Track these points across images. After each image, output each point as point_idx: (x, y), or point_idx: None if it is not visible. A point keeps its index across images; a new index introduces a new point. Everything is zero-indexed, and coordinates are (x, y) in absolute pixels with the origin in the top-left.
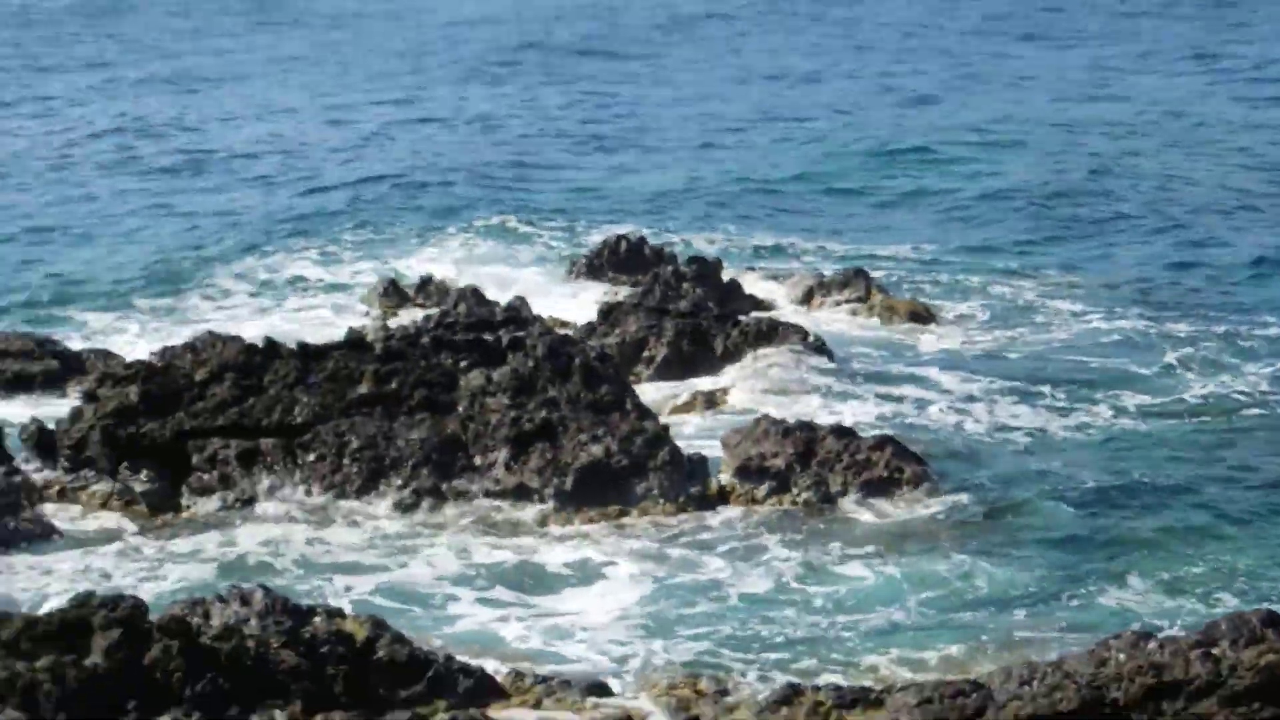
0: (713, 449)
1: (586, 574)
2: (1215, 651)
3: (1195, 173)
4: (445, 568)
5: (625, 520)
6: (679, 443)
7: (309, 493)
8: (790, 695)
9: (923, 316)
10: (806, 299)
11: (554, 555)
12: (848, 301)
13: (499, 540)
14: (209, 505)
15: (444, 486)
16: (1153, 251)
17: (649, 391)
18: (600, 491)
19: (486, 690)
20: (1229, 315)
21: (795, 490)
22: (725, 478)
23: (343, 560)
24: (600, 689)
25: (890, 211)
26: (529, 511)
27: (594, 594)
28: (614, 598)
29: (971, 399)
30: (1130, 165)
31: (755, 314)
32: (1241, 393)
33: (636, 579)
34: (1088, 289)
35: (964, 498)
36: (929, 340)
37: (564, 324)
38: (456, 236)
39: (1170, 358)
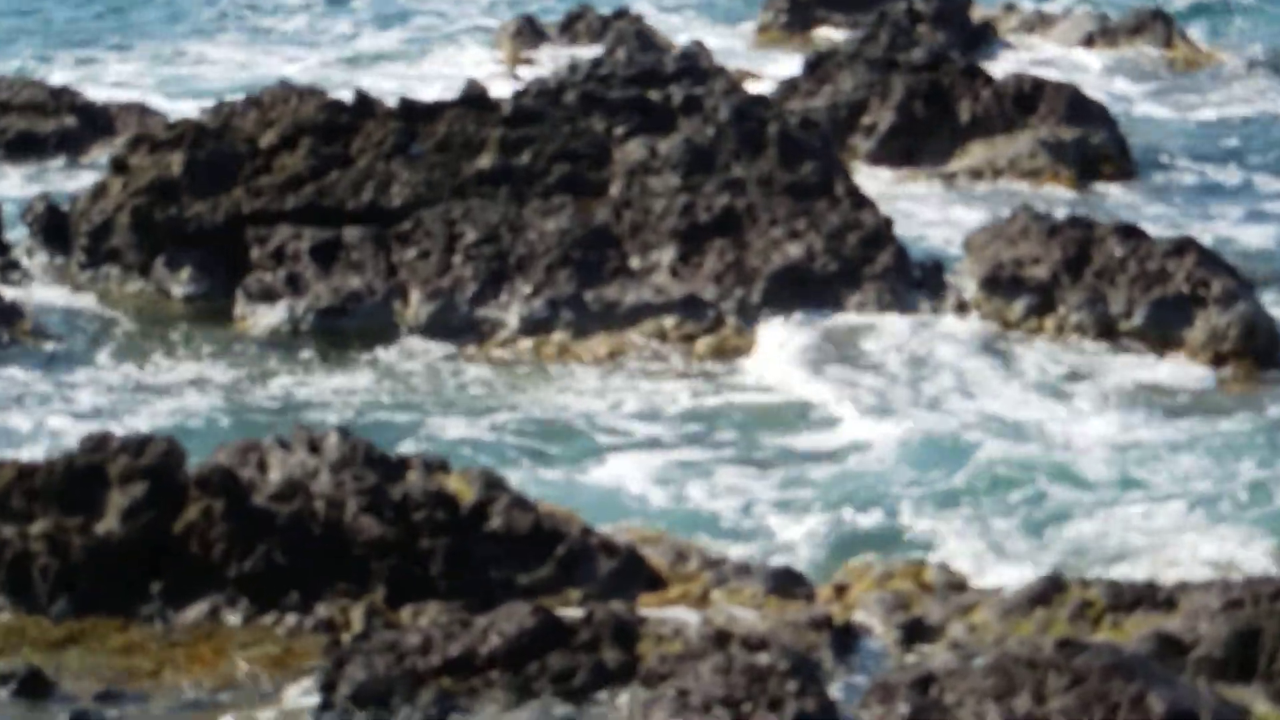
0: (952, 251)
1: (774, 418)
2: None
3: None
4: (585, 406)
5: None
6: (906, 242)
7: (406, 300)
8: (1048, 591)
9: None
10: (1085, 48)
11: (731, 391)
12: (1141, 54)
13: (659, 369)
14: (271, 316)
15: (588, 296)
16: None
17: (868, 172)
18: (799, 306)
19: (636, 575)
20: None
21: (1062, 310)
22: (968, 291)
23: (449, 394)
24: (789, 578)
25: None
26: (701, 330)
27: (779, 444)
28: (809, 449)
29: None
30: None
31: (1015, 70)
32: None
33: (840, 424)
34: None
35: None
36: (1248, 108)
37: (756, 78)
38: None
39: None
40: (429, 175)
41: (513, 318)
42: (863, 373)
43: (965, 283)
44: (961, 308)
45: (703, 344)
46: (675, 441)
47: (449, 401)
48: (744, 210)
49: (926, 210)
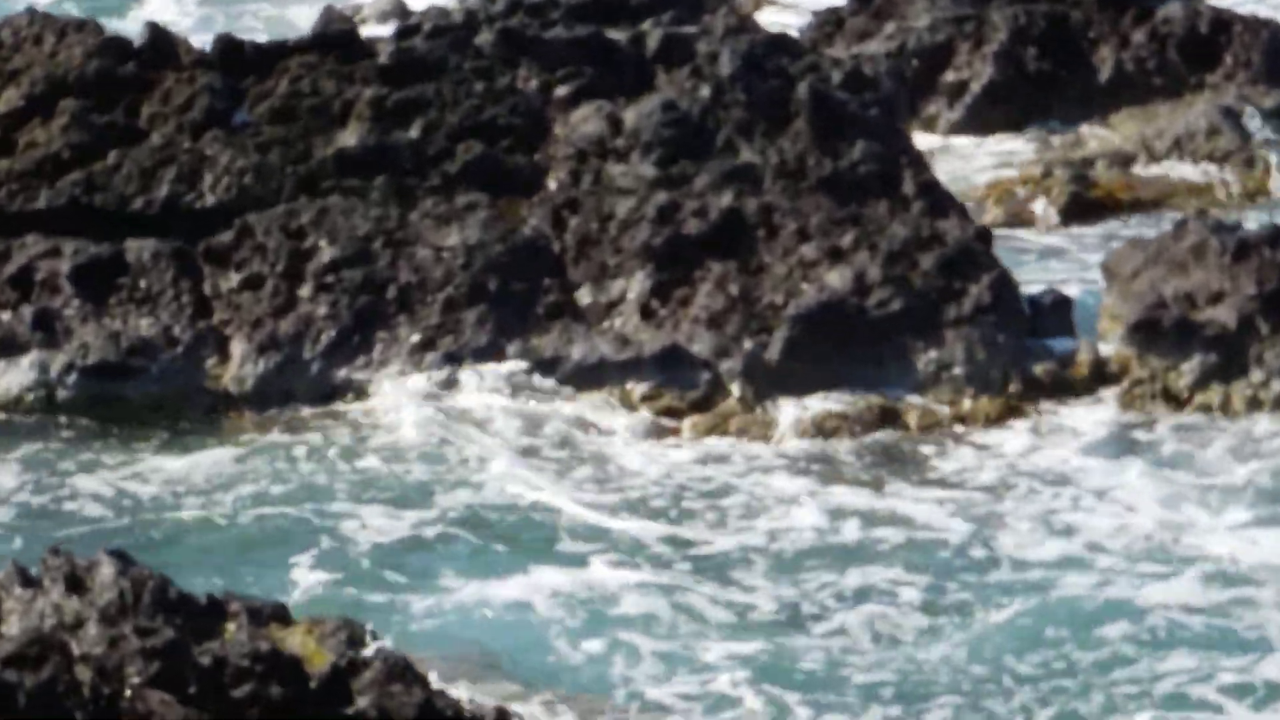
0: (1086, 281)
1: (804, 548)
2: None
3: None
4: (501, 518)
5: (890, 428)
6: (1012, 266)
7: (224, 354)
8: None
9: None
10: None
11: (735, 505)
12: None
13: (622, 461)
14: (12, 377)
15: (511, 349)
16: None
17: (954, 156)
18: (838, 363)
19: None
20: None
21: (1258, 374)
22: (1110, 342)
23: (294, 496)
24: None
25: None
26: (688, 404)
27: (815, 589)
28: (865, 599)
29: None
30: None
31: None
32: None
33: (916, 562)
34: None
35: None
36: None
37: (777, 6)
38: None
39: None
40: (262, 158)
41: (385, 385)
42: (928, 489)
43: (1105, 330)
44: (1099, 369)
45: (690, 423)
46: (601, 561)
47: (293, 502)
48: (757, 216)
49: (1044, 204)
